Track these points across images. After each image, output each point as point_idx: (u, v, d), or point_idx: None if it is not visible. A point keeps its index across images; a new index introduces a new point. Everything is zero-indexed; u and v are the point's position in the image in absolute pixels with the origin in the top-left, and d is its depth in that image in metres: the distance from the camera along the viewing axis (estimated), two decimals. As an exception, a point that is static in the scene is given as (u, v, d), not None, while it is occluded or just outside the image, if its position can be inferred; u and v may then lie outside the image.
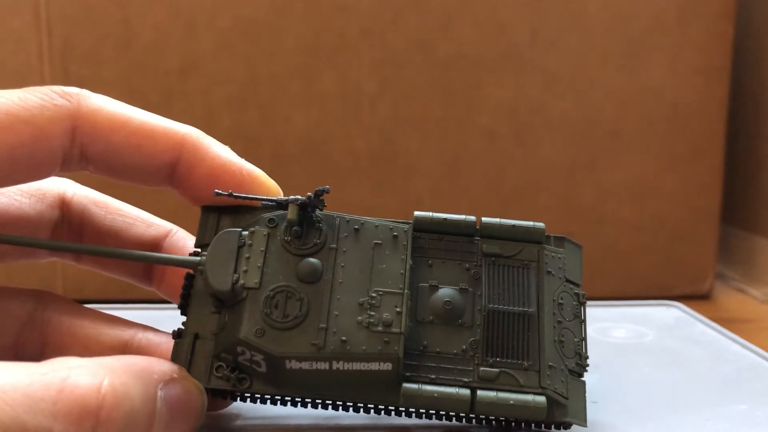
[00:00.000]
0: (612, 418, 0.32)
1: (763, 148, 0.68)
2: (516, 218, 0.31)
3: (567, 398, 0.29)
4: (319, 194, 0.29)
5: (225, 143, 0.31)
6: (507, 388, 0.28)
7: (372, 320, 0.27)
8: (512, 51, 0.61)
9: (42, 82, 0.58)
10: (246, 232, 0.29)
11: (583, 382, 0.30)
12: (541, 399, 0.28)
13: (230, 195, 0.29)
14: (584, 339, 0.30)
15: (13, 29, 0.58)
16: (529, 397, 0.28)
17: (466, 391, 0.27)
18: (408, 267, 0.29)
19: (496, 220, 0.31)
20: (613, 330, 0.43)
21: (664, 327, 0.43)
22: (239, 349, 0.27)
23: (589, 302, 0.32)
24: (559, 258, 0.31)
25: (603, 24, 0.61)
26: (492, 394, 0.27)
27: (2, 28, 0.58)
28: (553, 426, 0.29)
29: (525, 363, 0.28)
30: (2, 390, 0.21)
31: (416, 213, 0.31)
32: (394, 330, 0.27)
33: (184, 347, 0.28)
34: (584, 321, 0.31)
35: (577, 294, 0.31)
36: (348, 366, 0.27)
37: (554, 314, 0.30)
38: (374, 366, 0.27)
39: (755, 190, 0.69)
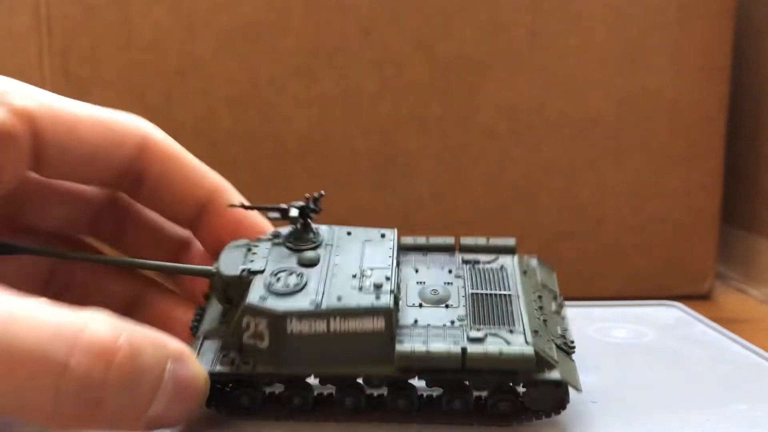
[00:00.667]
0: (612, 418, 0.32)
1: (763, 148, 0.68)
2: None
3: (557, 362, 0.30)
4: (316, 199, 0.33)
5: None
6: (496, 344, 0.29)
7: (364, 284, 0.31)
8: (512, 51, 0.61)
9: (42, 82, 0.58)
10: (253, 242, 0.33)
11: (574, 361, 0.31)
12: (530, 349, 0.29)
13: (242, 206, 0.33)
14: (567, 330, 0.33)
15: (13, 29, 0.58)
16: (518, 349, 0.29)
17: (457, 348, 0.29)
18: (395, 253, 0.33)
19: (472, 239, 0.36)
20: (613, 330, 0.43)
21: (664, 327, 0.43)
22: (245, 322, 0.30)
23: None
24: (533, 267, 0.35)
25: (603, 24, 0.61)
26: (482, 348, 0.29)
27: (2, 28, 0.58)
28: (553, 414, 0.30)
29: (510, 327, 0.30)
30: (35, 319, 0.24)
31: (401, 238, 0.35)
32: (385, 289, 0.30)
33: (194, 345, 0.31)
34: (565, 318, 0.33)
35: (555, 297, 0.34)
36: (344, 326, 0.29)
37: (534, 301, 0.32)
38: (368, 324, 0.29)
39: (755, 190, 0.69)
